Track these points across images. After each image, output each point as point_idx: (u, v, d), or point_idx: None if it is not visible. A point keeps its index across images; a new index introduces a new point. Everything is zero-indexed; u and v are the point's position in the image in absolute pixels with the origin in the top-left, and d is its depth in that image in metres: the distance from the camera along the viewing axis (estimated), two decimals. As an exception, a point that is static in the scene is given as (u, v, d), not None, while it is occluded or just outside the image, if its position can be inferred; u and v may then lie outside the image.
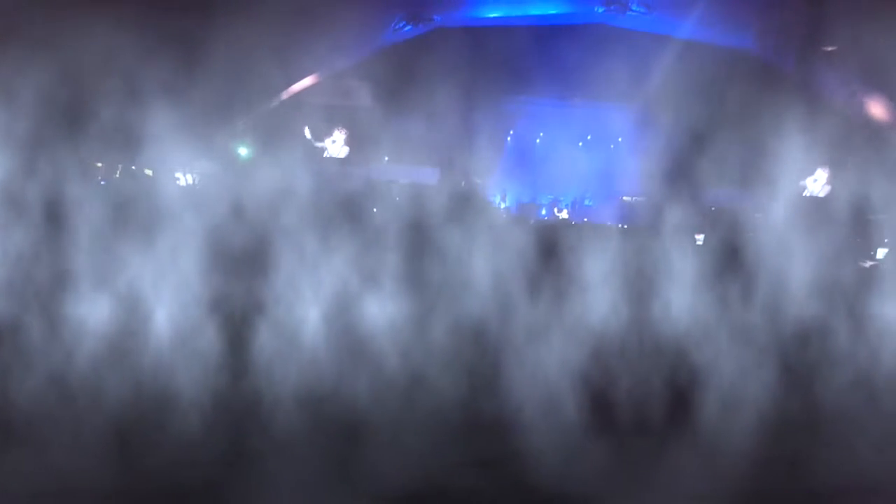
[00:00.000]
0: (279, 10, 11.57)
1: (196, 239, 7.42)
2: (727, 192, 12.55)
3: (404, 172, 13.80)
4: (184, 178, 10.53)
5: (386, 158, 14.74)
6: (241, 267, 7.77)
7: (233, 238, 8.00)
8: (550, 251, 9.50)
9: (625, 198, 15.77)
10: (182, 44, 8.47)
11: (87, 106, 7.99)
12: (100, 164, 10.12)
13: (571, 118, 16.49)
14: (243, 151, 12.91)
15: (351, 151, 15.42)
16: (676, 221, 10.74)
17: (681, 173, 11.78)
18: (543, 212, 16.49)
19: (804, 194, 12.85)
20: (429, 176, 14.12)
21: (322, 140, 14.99)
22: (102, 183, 9.48)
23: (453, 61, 12.79)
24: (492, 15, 15.30)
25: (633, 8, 14.84)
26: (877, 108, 13.80)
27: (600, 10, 15.20)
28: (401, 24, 15.01)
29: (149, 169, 9.64)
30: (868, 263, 9.30)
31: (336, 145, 15.22)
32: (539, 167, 16.81)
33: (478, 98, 14.14)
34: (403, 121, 13.13)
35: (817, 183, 13.51)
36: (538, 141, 17.23)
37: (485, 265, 8.95)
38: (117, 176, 10.43)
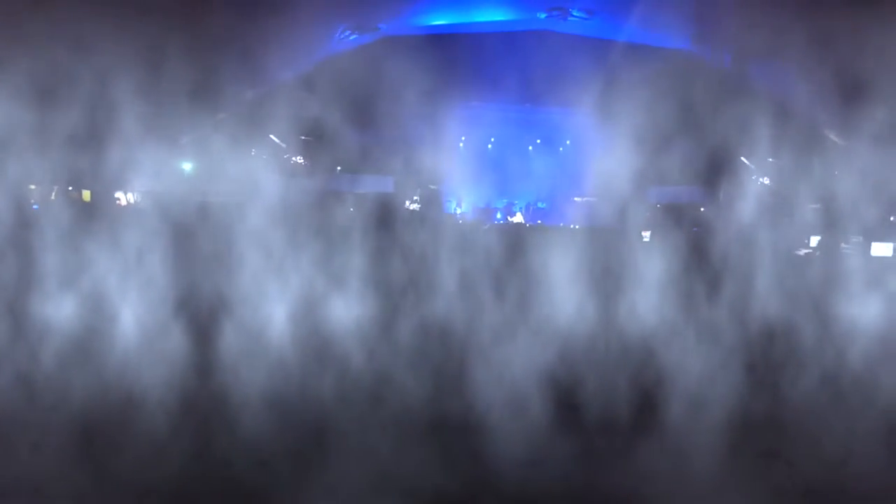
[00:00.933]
0: (221, 23, 11.49)
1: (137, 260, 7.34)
2: (673, 190, 12.92)
3: (358, 182, 13.80)
4: (125, 198, 10.29)
5: (338, 168, 14.72)
6: (191, 282, 7.68)
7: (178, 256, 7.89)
8: (505, 254, 9.64)
9: (576, 199, 16.08)
10: (120, 61, 8.32)
11: (19, 126, 7.79)
12: (33, 187, 9.82)
13: (522, 122, 16.76)
14: (187, 167, 12.71)
15: (302, 163, 15.33)
16: (624, 219, 11.02)
17: (628, 173, 12.06)
18: (499, 216, 16.67)
19: (744, 188, 13.27)
20: (384, 185, 14.14)
21: (273, 152, 14.83)
22: (36, 207, 9.19)
23: (401, 69, 12.86)
24: (437, 23, 15.45)
25: (574, 13, 15.16)
26: (811, 104, 14.35)
27: (542, 16, 15.49)
28: (346, 34, 15.01)
29: (87, 190, 9.41)
30: (803, 251, 9.69)
31: (286, 157, 15.10)
32: (493, 172, 16.99)
33: (428, 105, 14.23)
34: (354, 130, 13.14)
35: (756, 177, 13.98)
36: (490, 146, 17.44)
37: (441, 269, 9.02)
38: (53, 199, 10.15)
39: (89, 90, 7.91)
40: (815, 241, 9.85)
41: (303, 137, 14.94)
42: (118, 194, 10.63)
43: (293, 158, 15.23)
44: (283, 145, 12.08)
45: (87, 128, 8.11)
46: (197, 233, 8.52)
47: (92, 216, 8.73)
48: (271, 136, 14.85)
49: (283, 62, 13.56)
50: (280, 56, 13.01)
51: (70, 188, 10.11)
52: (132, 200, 10.60)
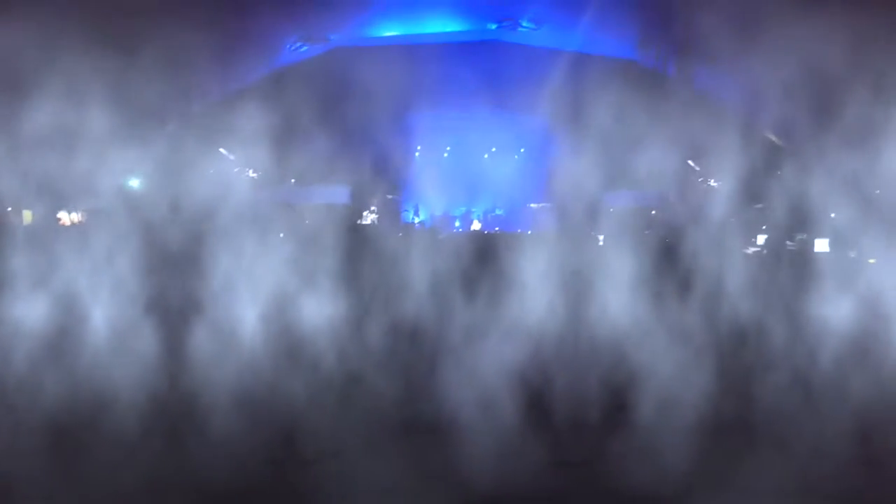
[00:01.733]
0: (167, 33, 11.27)
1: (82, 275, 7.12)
2: (626, 194, 13.19)
3: (313, 193, 13.66)
4: (68, 218, 9.95)
5: (292, 180, 14.55)
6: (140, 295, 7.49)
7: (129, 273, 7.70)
8: (462, 261, 9.68)
9: (533, 205, 16.30)
10: (60, 69, 8.08)
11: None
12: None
13: (477, 131, 16.90)
14: (135, 183, 12.39)
15: (254, 174, 15.11)
16: (579, 224, 11.19)
17: (581, 179, 12.28)
18: (458, 224, 16.76)
19: (693, 191, 13.65)
20: (340, 195, 14.05)
21: (224, 164, 14.60)
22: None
23: (353, 79, 12.85)
24: (388, 34, 15.51)
25: (523, 24, 15.44)
26: (755, 110, 14.88)
27: (493, 26, 15.73)
28: (296, 45, 14.93)
29: (27, 210, 9.07)
30: (751, 250, 10.01)
31: (238, 169, 14.88)
32: (449, 180, 17.08)
33: (383, 114, 14.24)
34: (307, 141, 13.02)
35: (704, 180, 14.41)
36: (446, 154, 17.53)
37: (397, 278, 9.00)
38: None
39: (28, 105, 7.66)
40: (761, 239, 10.20)
41: (254, 149, 14.73)
42: (61, 214, 10.27)
43: (245, 171, 15.01)
44: (232, 157, 11.91)
45: (28, 144, 7.84)
46: (142, 252, 8.31)
47: (33, 238, 8.42)
48: (221, 150, 14.63)
49: (232, 74, 13.38)
50: (229, 68, 12.84)
51: (9, 208, 9.72)
52: (76, 220, 10.25)
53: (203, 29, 12.02)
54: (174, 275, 8.12)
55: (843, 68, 8.84)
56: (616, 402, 5.72)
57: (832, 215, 10.07)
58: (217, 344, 6.91)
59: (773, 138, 13.50)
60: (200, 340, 6.93)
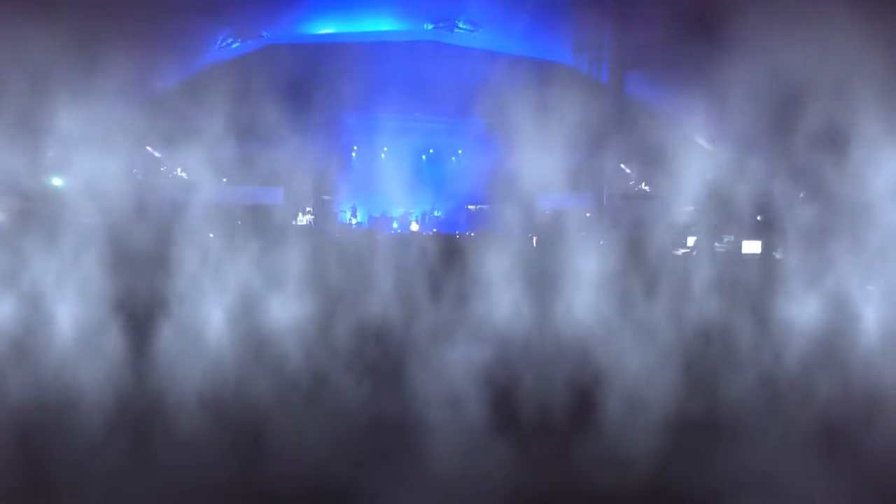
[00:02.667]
0: (89, 27, 10.74)
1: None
2: (559, 197, 13.39)
3: (246, 194, 13.29)
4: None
5: (224, 180, 14.12)
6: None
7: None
8: (401, 262, 9.61)
9: (470, 206, 16.37)
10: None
11: None
12: None
13: (415, 132, 16.84)
14: (57, 182, 11.75)
15: (185, 174, 14.62)
16: (514, 225, 11.29)
17: (516, 180, 12.40)
18: (395, 225, 16.64)
19: (624, 194, 13.99)
20: (273, 196, 13.71)
21: (152, 165, 14.09)
22: None
23: (288, 77, 12.56)
24: (322, 31, 15.25)
25: (460, 26, 15.46)
26: (686, 115, 15.38)
27: (430, 27, 15.69)
28: (227, 41, 14.50)
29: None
30: (680, 251, 10.32)
31: (167, 168, 14.37)
32: (387, 181, 16.94)
33: (318, 114, 13.99)
34: (240, 141, 12.65)
35: (635, 183, 14.79)
36: (384, 155, 17.37)
37: (334, 280, 8.86)
38: None
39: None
40: (691, 241, 10.53)
41: (184, 148, 14.24)
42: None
43: (174, 170, 14.48)
44: (159, 156, 11.47)
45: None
46: (65, 254, 7.94)
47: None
48: (148, 148, 14.06)
49: (160, 70, 12.87)
50: (157, 63, 12.34)
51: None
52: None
53: (129, 22, 11.52)
54: (99, 275, 7.81)
55: (772, 72, 9.21)
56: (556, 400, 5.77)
57: (758, 218, 10.51)
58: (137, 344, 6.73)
59: (704, 143, 13.98)
60: (126, 340, 6.74)
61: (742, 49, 9.17)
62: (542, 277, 8.63)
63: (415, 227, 16.75)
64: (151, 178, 13.84)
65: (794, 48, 9.43)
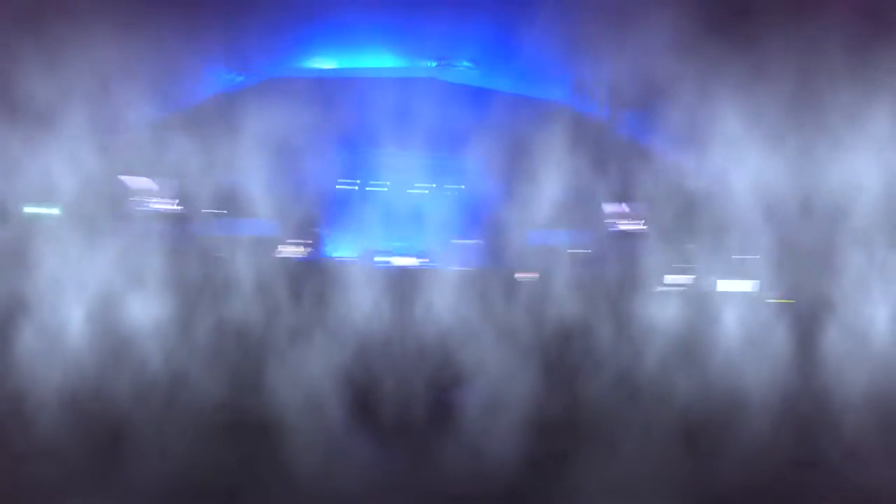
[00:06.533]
0: (93, 58, 10.94)
1: None
2: (554, 233, 13.38)
3: (239, 226, 13.33)
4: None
5: (224, 212, 14.21)
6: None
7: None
8: (392, 296, 9.60)
9: (462, 242, 16.34)
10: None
11: None
12: None
13: (414, 166, 16.89)
14: (53, 210, 11.81)
15: (184, 206, 14.71)
16: (507, 261, 11.25)
17: (513, 216, 12.43)
18: (387, 259, 16.60)
19: (618, 230, 13.95)
20: (267, 228, 13.75)
21: (148, 196, 14.19)
22: None
23: (288, 111, 12.71)
24: (324, 67, 15.47)
25: (462, 64, 15.70)
26: (682, 154, 15.45)
27: (433, 64, 15.93)
28: (230, 75, 14.72)
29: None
30: (660, 288, 10.26)
31: (164, 201, 14.46)
32: (384, 214, 16.97)
33: (317, 147, 14.12)
34: (238, 173, 12.75)
35: (629, 220, 14.80)
36: (384, 190, 17.43)
37: (326, 313, 8.84)
38: None
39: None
40: (685, 278, 10.49)
41: (181, 181, 14.36)
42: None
43: (171, 203, 14.57)
44: (155, 188, 11.55)
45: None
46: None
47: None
48: (145, 179, 14.16)
49: (162, 102, 13.06)
50: (155, 95, 12.53)
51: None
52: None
53: (133, 54, 11.73)
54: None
55: (766, 114, 9.27)
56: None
57: (755, 256, 10.46)
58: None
59: (697, 181, 14.00)
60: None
61: (739, 88, 9.24)
62: (537, 313, 8.61)
63: (405, 261, 16.72)
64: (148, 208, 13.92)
65: (793, 86, 9.50)
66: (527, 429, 5.91)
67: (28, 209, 10.57)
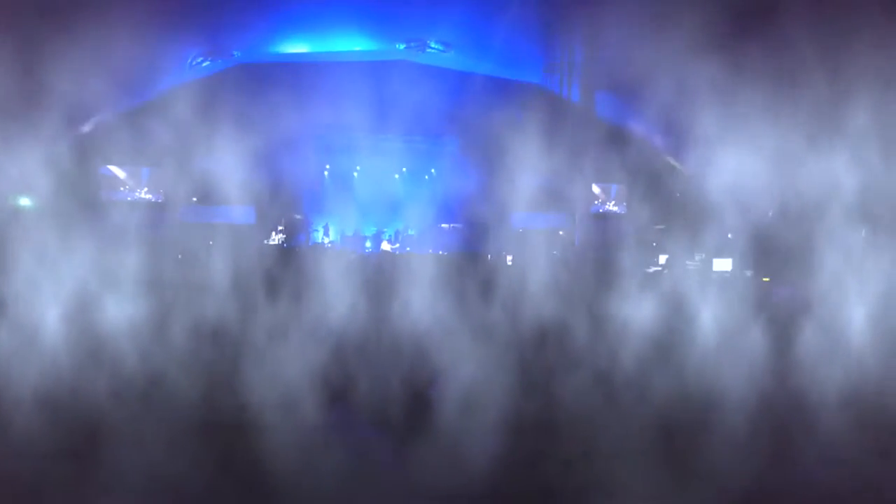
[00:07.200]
0: (59, 44, 10.57)
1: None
2: (533, 215, 13.49)
3: (218, 213, 13.13)
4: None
5: (194, 199, 13.96)
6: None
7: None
8: (375, 281, 9.56)
9: (444, 226, 16.36)
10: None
11: None
12: None
13: (388, 150, 16.81)
14: (25, 202, 11.44)
15: (157, 193, 14.41)
16: (488, 245, 11.30)
17: (490, 200, 12.46)
18: (368, 244, 16.54)
19: (599, 212, 14.14)
20: (244, 215, 13.56)
21: (122, 183, 13.86)
22: None
23: (260, 96, 12.50)
24: (295, 51, 15.21)
25: (432, 45, 15.57)
26: (656, 134, 15.66)
27: (401, 47, 15.76)
28: (198, 60, 14.37)
29: None
30: (652, 269, 10.44)
31: (139, 188, 14.14)
32: (360, 200, 16.87)
33: (290, 133, 13.92)
34: (212, 160, 12.51)
35: (610, 202, 14.98)
36: (356, 174, 17.31)
37: (308, 299, 8.76)
38: None
39: None
40: (663, 259, 10.67)
41: (156, 168, 14.05)
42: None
43: (144, 191, 14.25)
44: (124, 176, 11.28)
45: None
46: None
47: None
48: (113, 168, 13.80)
49: (130, 89, 12.71)
50: (127, 82, 12.19)
51: None
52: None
53: (98, 40, 11.35)
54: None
55: (740, 94, 9.42)
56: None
57: (729, 236, 10.70)
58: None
59: (674, 162, 14.23)
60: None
61: (714, 69, 9.36)
62: (518, 296, 8.64)
63: (387, 245, 16.69)
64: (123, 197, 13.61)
65: (766, 65, 9.67)
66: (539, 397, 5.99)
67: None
